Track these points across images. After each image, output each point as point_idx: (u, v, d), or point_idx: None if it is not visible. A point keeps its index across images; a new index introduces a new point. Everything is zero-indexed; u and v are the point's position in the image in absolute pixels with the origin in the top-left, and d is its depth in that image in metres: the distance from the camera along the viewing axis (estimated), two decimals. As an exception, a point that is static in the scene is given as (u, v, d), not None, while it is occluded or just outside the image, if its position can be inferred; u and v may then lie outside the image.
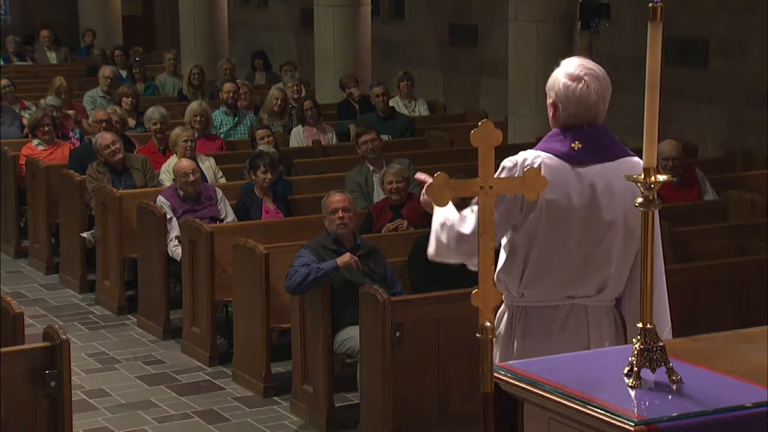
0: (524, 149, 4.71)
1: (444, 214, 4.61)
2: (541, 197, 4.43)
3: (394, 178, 9.21)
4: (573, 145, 4.57)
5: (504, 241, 4.65)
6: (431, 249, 4.70)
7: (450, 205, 4.60)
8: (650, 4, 3.64)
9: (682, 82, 13.54)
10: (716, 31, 13.67)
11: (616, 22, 13.68)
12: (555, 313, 4.63)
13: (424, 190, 4.63)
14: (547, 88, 4.67)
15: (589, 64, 4.64)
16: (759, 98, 13.05)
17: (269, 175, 9.67)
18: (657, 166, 3.72)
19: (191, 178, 9.66)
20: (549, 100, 4.65)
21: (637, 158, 4.65)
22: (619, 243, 4.59)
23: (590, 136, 4.59)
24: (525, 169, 4.44)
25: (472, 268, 4.47)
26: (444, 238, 4.58)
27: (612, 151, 4.62)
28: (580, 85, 4.56)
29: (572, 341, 4.59)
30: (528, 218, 4.55)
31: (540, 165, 4.50)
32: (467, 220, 4.52)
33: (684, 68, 13.62)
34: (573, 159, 4.56)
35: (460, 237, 4.52)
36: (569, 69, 4.60)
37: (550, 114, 4.66)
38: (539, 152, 4.59)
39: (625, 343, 4.65)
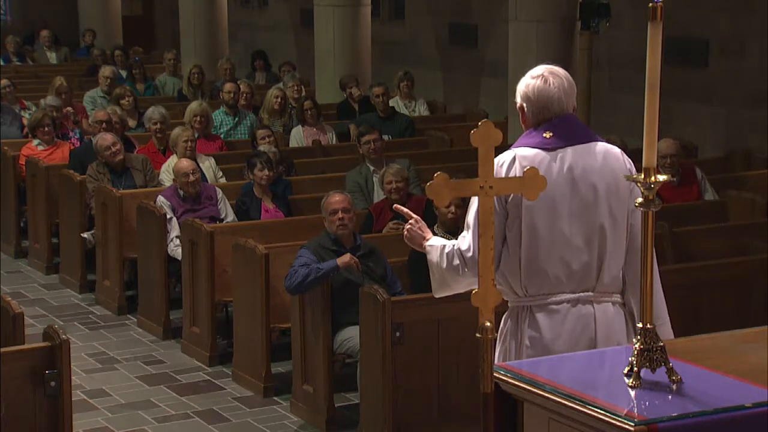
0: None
1: (440, 245, 4.74)
2: None
3: (394, 177, 9.23)
4: (545, 135, 4.70)
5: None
6: (434, 285, 4.79)
7: (437, 238, 4.75)
8: (650, 4, 3.65)
9: (682, 82, 13.54)
10: (716, 31, 13.67)
11: (616, 22, 13.67)
12: (560, 311, 4.64)
13: (405, 230, 4.84)
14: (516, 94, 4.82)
15: (553, 67, 4.80)
16: (759, 98, 13.05)
17: (266, 173, 9.67)
18: (657, 165, 3.72)
19: (191, 178, 9.66)
20: (517, 105, 4.81)
21: (608, 144, 4.78)
22: (607, 218, 4.66)
23: (559, 125, 4.72)
24: (500, 166, 4.59)
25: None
26: (451, 262, 4.66)
27: (582, 136, 4.75)
28: (539, 81, 4.72)
29: (579, 340, 4.60)
30: (513, 206, 4.62)
31: (514, 158, 4.64)
32: (465, 240, 4.63)
33: (684, 68, 13.62)
34: (546, 146, 4.68)
35: (470, 260, 4.60)
36: (532, 72, 4.79)
37: (521, 119, 4.82)
38: (513, 149, 4.73)
39: None
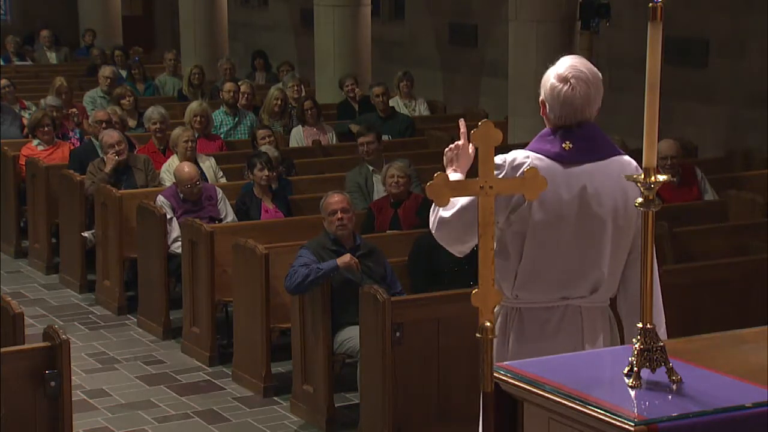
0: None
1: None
2: None
3: (397, 172, 9.26)
4: (564, 145, 4.59)
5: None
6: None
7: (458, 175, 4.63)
8: (650, 4, 3.64)
9: (682, 82, 13.54)
10: (716, 31, 13.67)
11: (616, 22, 13.67)
12: (549, 314, 4.62)
13: (446, 149, 4.68)
14: (540, 85, 4.70)
15: (581, 65, 4.63)
16: (759, 98, 13.05)
17: (266, 173, 9.67)
18: (656, 165, 3.72)
19: (196, 188, 9.66)
20: (540, 98, 4.69)
21: (627, 157, 4.70)
22: (610, 242, 4.60)
23: (581, 136, 4.60)
24: (513, 168, 4.52)
25: (456, 254, 4.64)
26: (430, 220, 4.62)
27: (602, 151, 4.64)
28: (566, 88, 4.57)
29: (566, 342, 4.58)
30: (518, 218, 4.55)
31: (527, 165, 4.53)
32: (450, 206, 4.48)
33: (684, 68, 13.62)
34: (563, 159, 4.58)
35: (440, 221, 4.55)
36: (559, 69, 4.62)
37: (541, 111, 4.70)
38: (529, 152, 4.61)
39: (620, 343, 4.66)
